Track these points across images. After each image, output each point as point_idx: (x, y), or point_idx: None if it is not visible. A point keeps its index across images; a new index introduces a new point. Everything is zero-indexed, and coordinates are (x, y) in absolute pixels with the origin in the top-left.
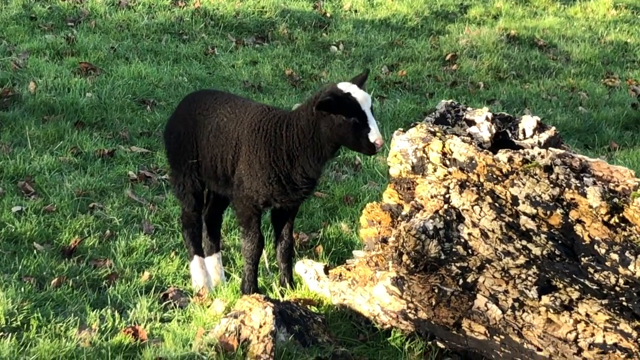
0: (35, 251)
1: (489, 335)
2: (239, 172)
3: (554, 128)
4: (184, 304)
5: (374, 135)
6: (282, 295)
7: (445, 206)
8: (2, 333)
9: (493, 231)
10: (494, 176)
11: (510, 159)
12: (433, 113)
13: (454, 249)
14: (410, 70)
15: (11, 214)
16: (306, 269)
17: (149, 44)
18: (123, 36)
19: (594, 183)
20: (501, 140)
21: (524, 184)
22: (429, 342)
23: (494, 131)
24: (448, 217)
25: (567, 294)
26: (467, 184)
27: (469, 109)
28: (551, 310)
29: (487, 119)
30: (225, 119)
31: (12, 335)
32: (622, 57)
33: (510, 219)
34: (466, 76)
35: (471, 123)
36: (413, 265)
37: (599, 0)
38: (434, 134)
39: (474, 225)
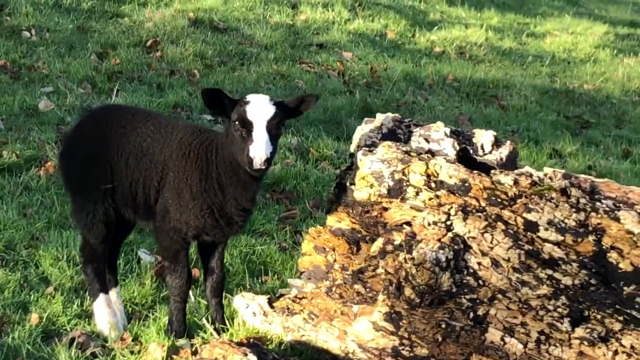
0: None
1: None
2: (164, 201)
3: (509, 142)
4: (101, 350)
5: (255, 150)
6: (219, 335)
7: (449, 234)
8: None
9: (508, 260)
10: (499, 200)
11: (515, 182)
12: (377, 129)
13: (464, 280)
14: (123, 59)
15: None
16: (247, 303)
17: None
18: None
19: (616, 206)
20: (462, 157)
21: (542, 209)
22: None
23: (457, 148)
24: (456, 247)
25: (604, 325)
26: (468, 209)
27: (419, 123)
28: (586, 343)
29: (446, 134)
30: (149, 139)
31: None
32: (299, 41)
33: (530, 247)
34: (176, 64)
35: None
36: (418, 300)
37: None
38: (408, 153)
39: (484, 254)
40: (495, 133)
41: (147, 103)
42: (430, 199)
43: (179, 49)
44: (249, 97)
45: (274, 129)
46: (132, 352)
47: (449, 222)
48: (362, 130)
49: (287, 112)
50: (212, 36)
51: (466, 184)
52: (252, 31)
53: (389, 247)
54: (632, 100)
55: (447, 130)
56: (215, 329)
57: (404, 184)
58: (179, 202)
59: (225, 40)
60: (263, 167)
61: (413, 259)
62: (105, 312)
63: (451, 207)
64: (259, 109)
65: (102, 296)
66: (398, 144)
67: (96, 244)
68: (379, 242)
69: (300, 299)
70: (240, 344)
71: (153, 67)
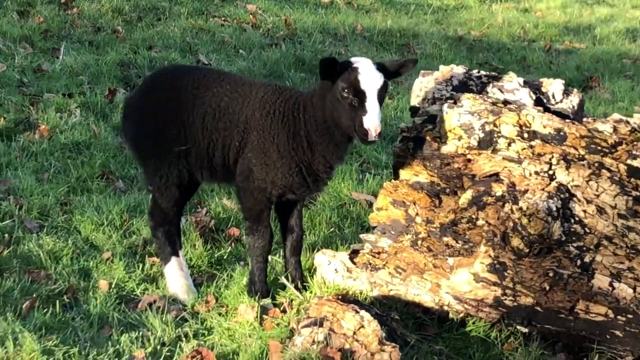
0: None
1: (612, 315)
2: (247, 161)
3: (576, 90)
4: (187, 315)
5: (370, 121)
6: (300, 293)
7: (553, 184)
8: None
9: (615, 207)
10: (599, 148)
11: (614, 129)
12: (446, 81)
13: (571, 229)
14: (45, 16)
15: None
16: (329, 260)
17: None
18: None
19: None
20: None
21: None
22: (509, 328)
23: (534, 97)
24: (562, 196)
25: None
26: (568, 158)
27: (489, 74)
28: None
29: (519, 84)
30: (227, 99)
31: None
32: None
33: (637, 193)
34: (97, 20)
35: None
36: (527, 250)
37: None
38: (495, 105)
39: (588, 201)
40: (563, 81)
41: (94, 62)
42: (523, 149)
43: (95, 4)
44: (357, 63)
45: (382, 97)
46: (220, 315)
47: (551, 172)
48: (422, 82)
49: (387, 75)
50: None
51: (561, 133)
52: None
53: (489, 199)
54: (522, 45)
55: (520, 80)
56: (295, 287)
57: (495, 135)
58: (264, 162)
59: None
60: (377, 138)
61: (521, 209)
62: (179, 275)
63: (552, 157)
64: (371, 77)
65: (174, 259)
66: (482, 95)
67: (168, 208)
68: (468, 194)
69: (378, 253)
70: (346, 301)
71: (77, 24)
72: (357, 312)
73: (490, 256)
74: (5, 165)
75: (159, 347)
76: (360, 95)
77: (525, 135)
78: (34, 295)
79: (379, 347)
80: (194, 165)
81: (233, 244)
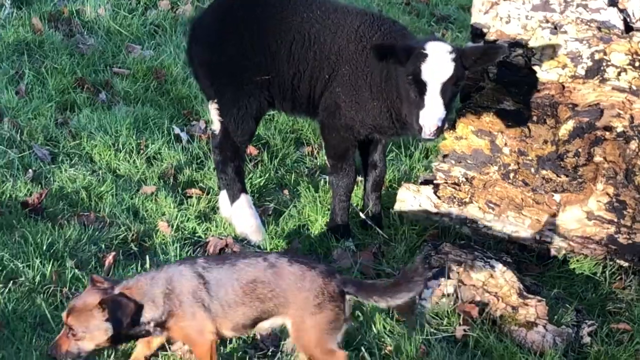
0: None
1: None
2: (334, 96)
3: None
4: None
5: (426, 118)
6: (382, 230)
7: None
8: None
9: None
10: None
11: None
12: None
13: None
14: None
15: None
16: (414, 195)
17: None
18: None
19: None
20: None
21: None
22: (612, 263)
23: (621, 18)
24: None
25: None
26: None
27: None
28: None
29: (605, 3)
30: (318, 26)
31: None
32: None
33: None
34: None
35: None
36: None
37: None
38: (599, 29)
39: None
40: None
41: None
42: (634, 79)
43: None
44: (428, 48)
45: (453, 89)
46: None
47: None
48: None
49: (467, 64)
50: None
51: None
52: None
53: (606, 134)
54: None
55: None
56: (377, 224)
57: (604, 64)
58: (354, 99)
59: None
60: (434, 137)
61: None
62: (249, 213)
63: None
64: (437, 67)
65: (243, 197)
66: (586, 20)
67: (242, 141)
68: (569, 125)
69: (457, 184)
70: (466, 247)
71: None
72: (486, 261)
73: (608, 194)
74: None
75: None
76: (421, 87)
77: (637, 64)
78: (103, 246)
79: (520, 300)
80: (276, 95)
81: (259, 166)
